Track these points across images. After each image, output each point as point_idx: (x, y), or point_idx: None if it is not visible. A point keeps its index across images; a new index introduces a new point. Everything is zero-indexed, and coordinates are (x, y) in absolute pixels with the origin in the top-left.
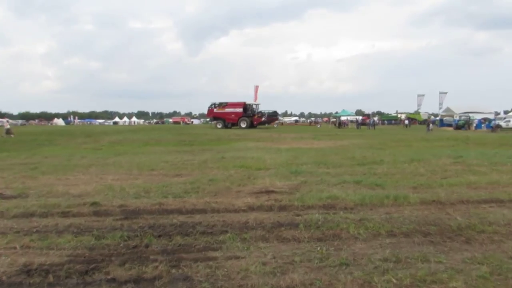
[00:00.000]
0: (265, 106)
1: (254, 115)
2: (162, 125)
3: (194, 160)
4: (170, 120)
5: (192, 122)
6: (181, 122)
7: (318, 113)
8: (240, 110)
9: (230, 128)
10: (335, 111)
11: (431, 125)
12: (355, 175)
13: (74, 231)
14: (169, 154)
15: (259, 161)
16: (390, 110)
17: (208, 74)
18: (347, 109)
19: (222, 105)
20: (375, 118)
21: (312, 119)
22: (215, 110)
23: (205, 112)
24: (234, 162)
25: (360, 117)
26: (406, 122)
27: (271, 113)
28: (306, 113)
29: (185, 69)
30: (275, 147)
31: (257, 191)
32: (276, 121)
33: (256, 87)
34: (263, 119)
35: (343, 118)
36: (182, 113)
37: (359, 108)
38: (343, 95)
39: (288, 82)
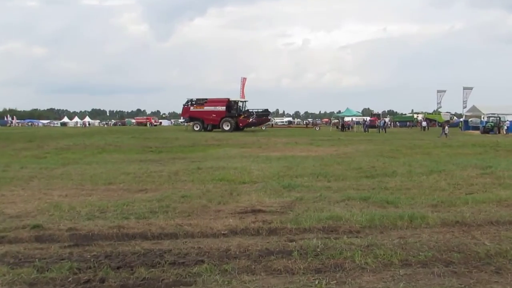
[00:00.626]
0: (253, 104)
1: (240, 115)
2: (123, 127)
3: (163, 171)
4: (133, 120)
5: (161, 123)
6: (147, 124)
7: (317, 112)
8: (222, 108)
9: (210, 131)
10: (337, 110)
11: (446, 128)
12: (362, 190)
13: (10, 262)
14: (131, 163)
15: (244, 172)
16: (404, 109)
17: (181, 64)
18: (352, 108)
19: (201, 102)
20: (386, 119)
21: (309, 120)
22: (191, 108)
23: (178, 111)
24: (213, 173)
25: (368, 118)
26: (424, 124)
27: (261, 112)
28: (301, 112)
29: (151, 58)
30: (263, 154)
31: (241, 211)
32: (267, 122)
33: (243, 80)
34: (250, 119)
35: (347, 119)
36: (148, 112)
37: (366, 106)
38: (347, 91)
39: (280, 74)
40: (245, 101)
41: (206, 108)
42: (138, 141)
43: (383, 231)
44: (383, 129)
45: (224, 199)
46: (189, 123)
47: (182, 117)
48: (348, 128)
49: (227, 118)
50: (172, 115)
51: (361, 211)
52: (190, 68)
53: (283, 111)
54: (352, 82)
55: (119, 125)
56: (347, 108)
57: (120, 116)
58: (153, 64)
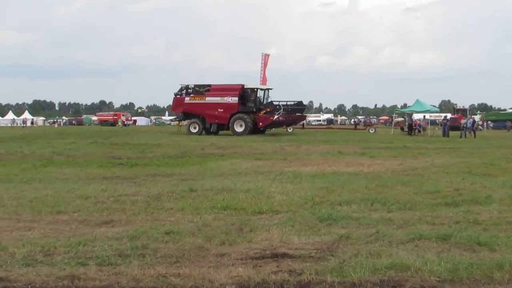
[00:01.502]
0: (277, 94)
1: (260, 109)
2: (79, 128)
3: (138, 194)
4: (94, 118)
5: (135, 122)
6: (118, 123)
7: (371, 106)
8: (234, 100)
9: (215, 133)
10: (402, 104)
11: None
12: (440, 225)
13: None
14: (90, 182)
15: (260, 197)
16: (503, 102)
17: (167, 35)
18: (424, 100)
19: (201, 90)
20: (476, 118)
21: (360, 118)
22: (186, 99)
23: (160, 103)
24: (213, 198)
25: (449, 116)
26: None
27: (293, 105)
28: (348, 106)
29: (121, 25)
30: (290, 170)
31: (256, 255)
32: (301, 121)
33: (265, 58)
34: (275, 117)
35: (416, 116)
36: (117, 105)
37: (446, 98)
38: (417, 75)
39: (314, 49)
40: (268, 89)
41: (209, 100)
42: (101, 149)
43: (473, 287)
44: (472, 132)
45: (230, 237)
46: (181, 122)
47: (172, 112)
48: (419, 131)
49: (240, 115)
50: (153, 110)
51: (438, 256)
52: (180, 41)
53: (320, 105)
54: (425, 62)
55: (74, 124)
56: (417, 101)
57: (75, 111)
58: (124, 35)
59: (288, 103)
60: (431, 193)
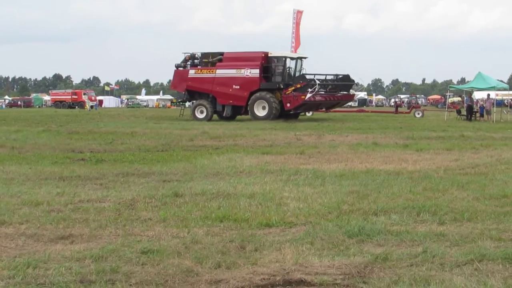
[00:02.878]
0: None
1: (288, 85)
2: (28, 111)
3: (105, 200)
4: (47, 97)
5: (101, 102)
6: (86, 105)
7: (417, 82)
8: (254, 73)
9: (230, 118)
10: (458, 79)
11: None
12: (508, 241)
13: None
14: (42, 184)
15: (269, 204)
16: None
17: None
18: (488, 73)
19: (211, 60)
20: None
21: (402, 98)
22: (191, 73)
23: (135, 78)
24: (205, 206)
25: None
26: None
27: (337, 80)
28: (386, 82)
29: None
30: (308, 168)
31: (263, 282)
32: (348, 102)
33: (297, 15)
34: (308, 95)
35: (478, 95)
36: (77, 80)
37: None
38: (479, 39)
39: (342, 5)
40: (301, 58)
41: (221, 73)
42: (56, 139)
43: None
44: None
45: (228, 258)
46: (185, 104)
47: (174, 89)
48: (482, 115)
49: (263, 93)
50: (124, 87)
51: (505, 283)
52: None
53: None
54: (489, 22)
55: (20, 106)
56: (479, 74)
57: (21, 88)
58: None
59: (329, 77)
60: (497, 198)
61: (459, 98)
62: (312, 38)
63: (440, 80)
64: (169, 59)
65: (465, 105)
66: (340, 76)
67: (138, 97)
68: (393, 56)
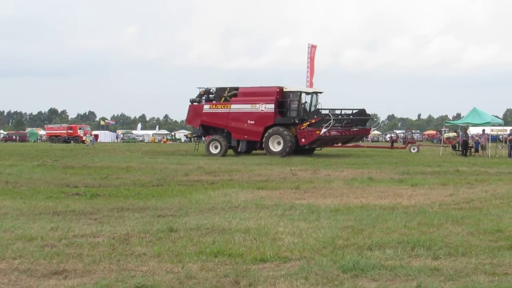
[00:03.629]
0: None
1: (303, 120)
2: (23, 145)
3: (100, 235)
4: (42, 132)
5: (96, 137)
6: (86, 139)
7: (413, 118)
8: (269, 108)
9: (246, 153)
10: (454, 115)
11: None
12: (502, 276)
13: None
14: (36, 219)
15: (264, 239)
16: None
17: (139, 22)
18: (483, 109)
19: (225, 95)
20: None
21: (397, 133)
22: (206, 108)
23: (131, 113)
24: (201, 241)
25: None
26: None
27: (353, 115)
28: (382, 117)
29: (79, 10)
30: (304, 203)
31: None
32: (364, 136)
33: (312, 50)
34: (323, 130)
35: (473, 131)
36: (73, 115)
37: None
38: (475, 76)
39: (339, 41)
40: (317, 93)
41: (236, 108)
42: (51, 174)
43: None
44: None
45: None
46: (199, 139)
47: (189, 125)
48: (476, 150)
49: (278, 128)
50: (120, 122)
51: None
52: (156, 30)
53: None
54: (485, 59)
55: (15, 140)
56: (474, 110)
57: (16, 122)
58: (81, 22)
59: (344, 111)
60: (492, 233)
61: (454, 134)
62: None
63: (435, 115)
64: (165, 94)
65: (460, 140)
66: (356, 111)
67: (133, 131)
68: (389, 91)
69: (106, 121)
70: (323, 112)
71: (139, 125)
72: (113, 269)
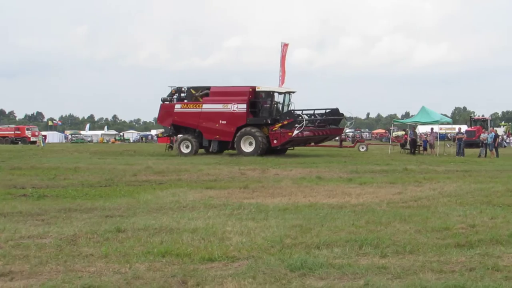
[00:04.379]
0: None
1: (276, 120)
2: None
3: (47, 236)
4: None
5: (44, 138)
6: (39, 140)
7: (361, 117)
8: (241, 108)
9: (217, 152)
10: (402, 113)
11: None
12: (449, 273)
13: None
14: None
15: (212, 238)
16: None
17: (89, 22)
18: (432, 108)
19: (197, 95)
20: (500, 130)
21: (346, 132)
22: (177, 107)
23: (79, 113)
24: (148, 241)
25: (464, 128)
26: None
27: (326, 115)
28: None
29: (25, 8)
30: (252, 202)
31: None
32: (337, 136)
33: (284, 49)
34: (295, 132)
35: (422, 129)
36: (20, 115)
37: (460, 105)
38: (424, 74)
39: (288, 40)
40: (290, 93)
41: (208, 108)
42: None
43: None
44: (493, 150)
45: None
46: (171, 140)
47: (160, 124)
48: (425, 149)
49: (250, 129)
50: (68, 123)
51: None
52: (106, 30)
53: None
54: (433, 58)
55: None
56: (423, 108)
57: None
58: (28, 20)
59: (317, 111)
60: (439, 231)
61: (403, 132)
62: (255, 72)
63: (384, 114)
64: (114, 95)
65: (409, 139)
66: (329, 110)
67: (82, 132)
68: (338, 90)
69: (54, 121)
70: (295, 112)
71: (88, 126)
72: (60, 270)
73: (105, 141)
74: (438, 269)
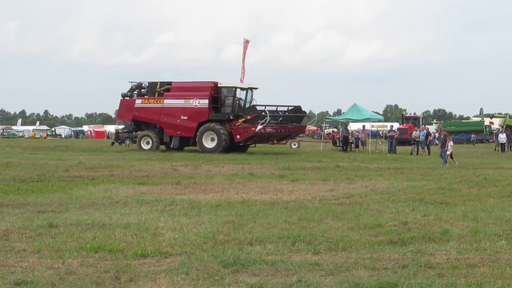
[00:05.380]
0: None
1: (238, 116)
2: None
3: None
4: None
5: None
6: None
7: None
8: (203, 103)
9: (178, 149)
10: (334, 111)
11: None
12: (382, 270)
13: None
14: None
15: (144, 234)
16: (466, 109)
17: (20, 16)
18: (363, 105)
19: (158, 90)
20: (432, 128)
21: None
22: (138, 102)
23: (6, 108)
24: (81, 237)
25: (396, 126)
26: (503, 137)
27: (289, 112)
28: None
29: None
30: (184, 199)
31: None
32: (300, 134)
33: (246, 45)
34: (258, 127)
35: (353, 127)
36: None
37: (392, 102)
38: (355, 72)
39: (221, 36)
40: (252, 89)
41: (169, 103)
42: None
43: None
44: (425, 148)
45: None
46: (128, 136)
47: (119, 119)
48: (357, 146)
49: (212, 125)
50: (0, 117)
51: None
52: (38, 24)
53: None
54: (365, 55)
55: None
56: (355, 106)
57: None
58: None
59: (280, 108)
60: (371, 228)
61: (335, 129)
62: (188, 68)
63: (316, 111)
64: (45, 90)
65: (340, 136)
66: (292, 108)
67: (13, 127)
68: (271, 87)
69: None
70: (258, 108)
71: (19, 121)
72: None
73: (37, 136)
74: (371, 266)
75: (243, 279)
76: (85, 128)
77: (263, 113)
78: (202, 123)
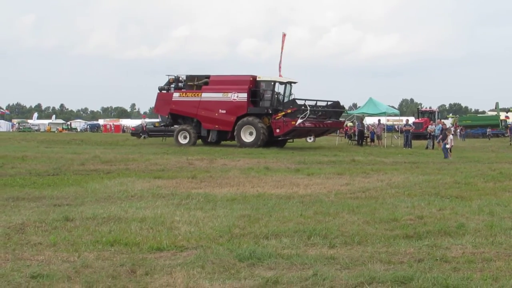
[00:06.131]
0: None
1: (277, 110)
2: None
3: None
4: None
5: None
6: None
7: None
8: (242, 97)
9: (216, 143)
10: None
11: None
12: (397, 264)
13: None
14: None
15: (160, 228)
16: (481, 103)
17: (36, 11)
18: (379, 99)
19: (196, 83)
20: (447, 122)
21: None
22: (175, 96)
23: (22, 102)
24: (96, 230)
25: (411, 120)
26: None
27: (328, 107)
28: None
29: None
30: (200, 192)
31: None
32: (338, 128)
33: (283, 39)
34: (299, 121)
35: (369, 121)
36: None
37: (408, 97)
38: (371, 66)
39: (237, 31)
40: (291, 83)
41: (207, 96)
42: None
43: None
44: (441, 142)
45: (118, 282)
46: (168, 129)
47: (157, 113)
48: (372, 140)
49: (250, 119)
50: (15, 112)
51: None
52: (54, 19)
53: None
54: (381, 49)
55: None
56: (370, 100)
57: None
58: None
59: (319, 103)
60: (387, 222)
61: (350, 124)
62: (204, 62)
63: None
64: (61, 84)
65: (356, 130)
66: (331, 103)
67: (29, 121)
68: None
69: (1, 110)
70: (298, 102)
71: (35, 115)
72: (9, 258)
73: (53, 130)
74: (386, 260)
75: (258, 273)
76: (101, 122)
77: (303, 107)
78: (240, 117)
